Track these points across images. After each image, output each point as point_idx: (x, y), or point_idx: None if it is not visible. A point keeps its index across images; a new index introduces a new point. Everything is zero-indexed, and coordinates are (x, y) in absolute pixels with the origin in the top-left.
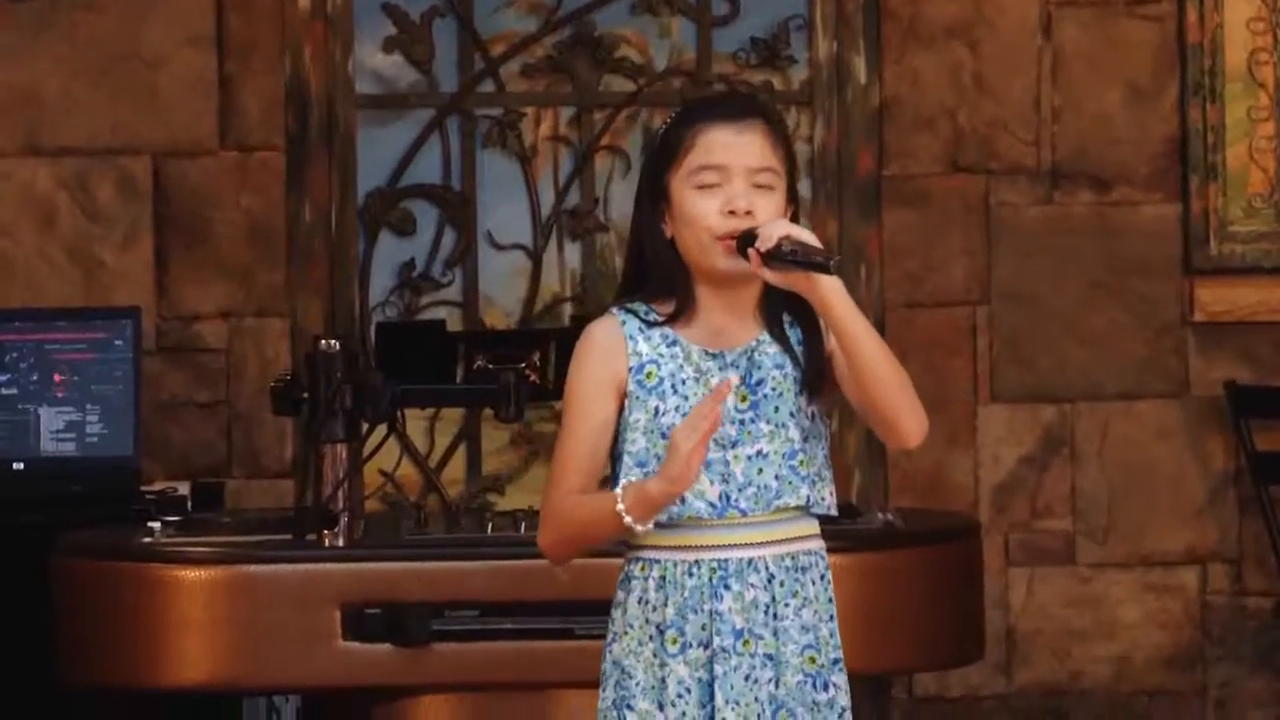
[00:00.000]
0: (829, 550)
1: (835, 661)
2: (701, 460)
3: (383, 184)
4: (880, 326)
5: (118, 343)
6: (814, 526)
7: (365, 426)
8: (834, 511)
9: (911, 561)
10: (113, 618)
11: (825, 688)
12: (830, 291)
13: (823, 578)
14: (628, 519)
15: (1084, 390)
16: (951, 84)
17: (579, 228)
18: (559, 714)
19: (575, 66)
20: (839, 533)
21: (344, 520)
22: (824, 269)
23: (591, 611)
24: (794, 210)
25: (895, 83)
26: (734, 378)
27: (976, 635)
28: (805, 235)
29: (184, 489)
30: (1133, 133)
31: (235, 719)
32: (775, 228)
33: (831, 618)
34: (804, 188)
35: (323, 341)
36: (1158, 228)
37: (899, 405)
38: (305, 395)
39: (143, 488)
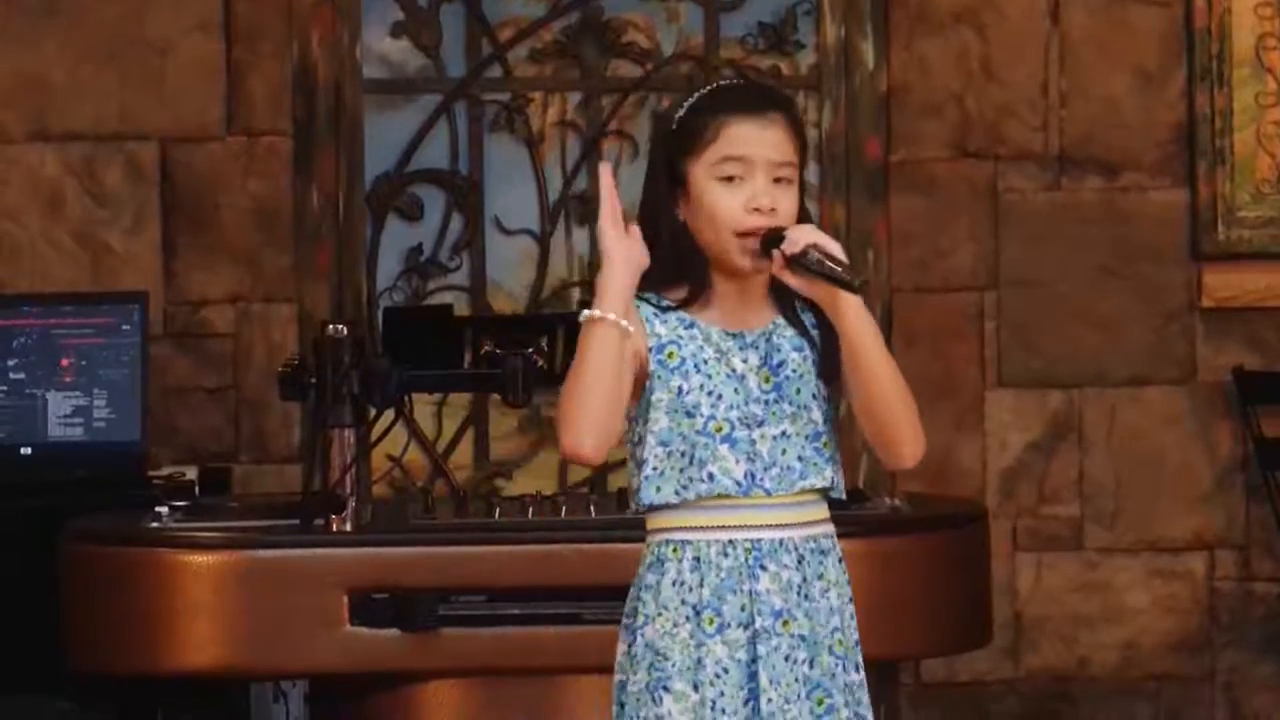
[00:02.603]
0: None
1: (856, 644)
2: (616, 227)
3: (390, 169)
4: (887, 312)
5: (125, 328)
6: (827, 511)
7: (372, 412)
8: (844, 495)
9: (919, 547)
10: (120, 603)
11: (857, 669)
12: (850, 307)
13: (840, 561)
14: (595, 312)
15: (1091, 376)
16: (959, 69)
17: (587, 213)
18: (566, 699)
19: (583, 51)
20: (846, 518)
21: (351, 505)
22: (849, 287)
23: (599, 597)
24: (801, 198)
25: (903, 68)
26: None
27: (984, 621)
28: (832, 246)
29: (191, 474)
30: (1140, 118)
31: (242, 704)
32: (803, 233)
33: (850, 600)
34: (811, 173)
35: (330, 327)
36: (1165, 213)
37: (901, 427)
38: (313, 380)
39: (150, 473)
